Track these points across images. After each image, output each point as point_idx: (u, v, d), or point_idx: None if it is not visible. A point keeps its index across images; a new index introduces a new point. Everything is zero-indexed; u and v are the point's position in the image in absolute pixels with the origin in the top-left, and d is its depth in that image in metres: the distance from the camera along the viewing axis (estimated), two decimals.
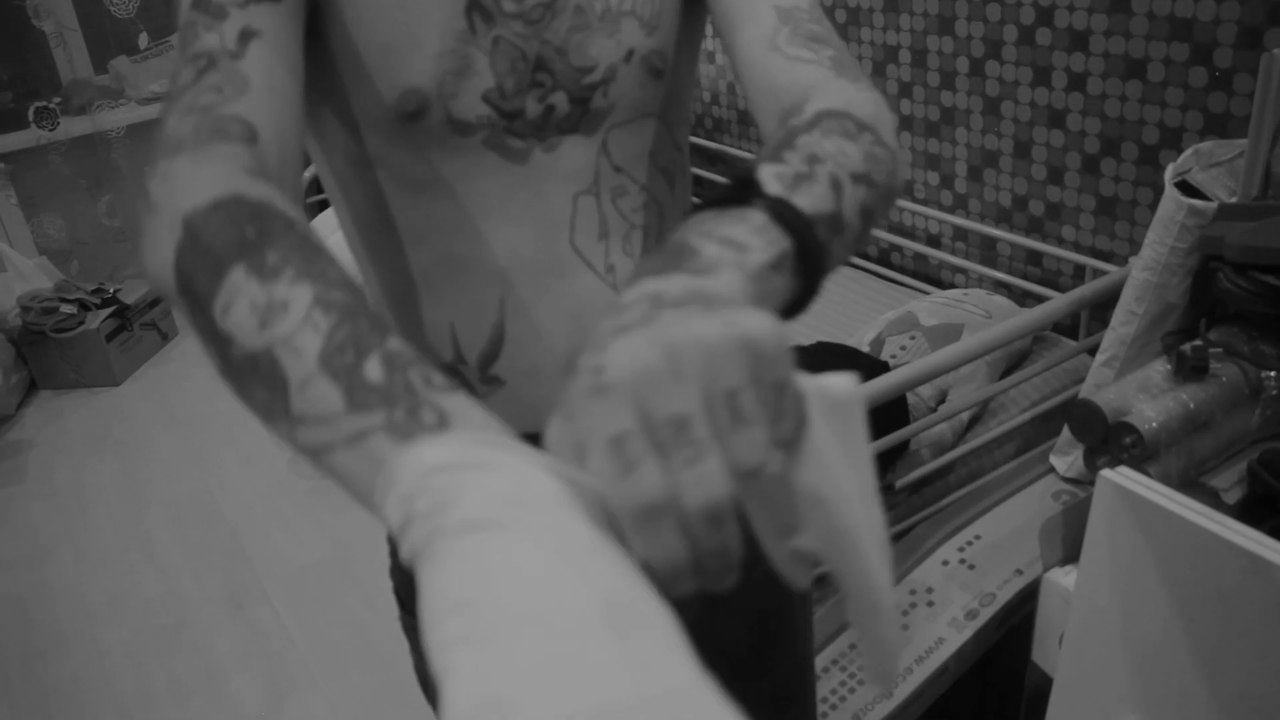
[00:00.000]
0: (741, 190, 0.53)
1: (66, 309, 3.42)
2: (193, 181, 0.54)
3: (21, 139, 3.65)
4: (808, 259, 0.52)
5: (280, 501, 2.71)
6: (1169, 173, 1.36)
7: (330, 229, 3.00)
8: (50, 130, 3.70)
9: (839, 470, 0.44)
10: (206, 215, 0.51)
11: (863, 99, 0.63)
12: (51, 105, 3.71)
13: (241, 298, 0.47)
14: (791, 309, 0.53)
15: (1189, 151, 1.39)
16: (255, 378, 0.46)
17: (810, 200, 0.54)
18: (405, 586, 0.92)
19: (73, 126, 3.76)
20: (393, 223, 0.77)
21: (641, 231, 0.82)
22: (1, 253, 3.51)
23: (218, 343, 0.48)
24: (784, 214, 0.52)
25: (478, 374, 0.79)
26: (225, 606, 2.37)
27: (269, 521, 2.64)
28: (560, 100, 0.74)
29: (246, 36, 0.61)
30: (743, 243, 0.49)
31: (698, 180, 2.94)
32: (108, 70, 3.92)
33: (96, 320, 3.42)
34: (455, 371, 0.80)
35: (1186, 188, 1.35)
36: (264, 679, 2.13)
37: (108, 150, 3.95)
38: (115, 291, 3.55)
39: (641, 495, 0.37)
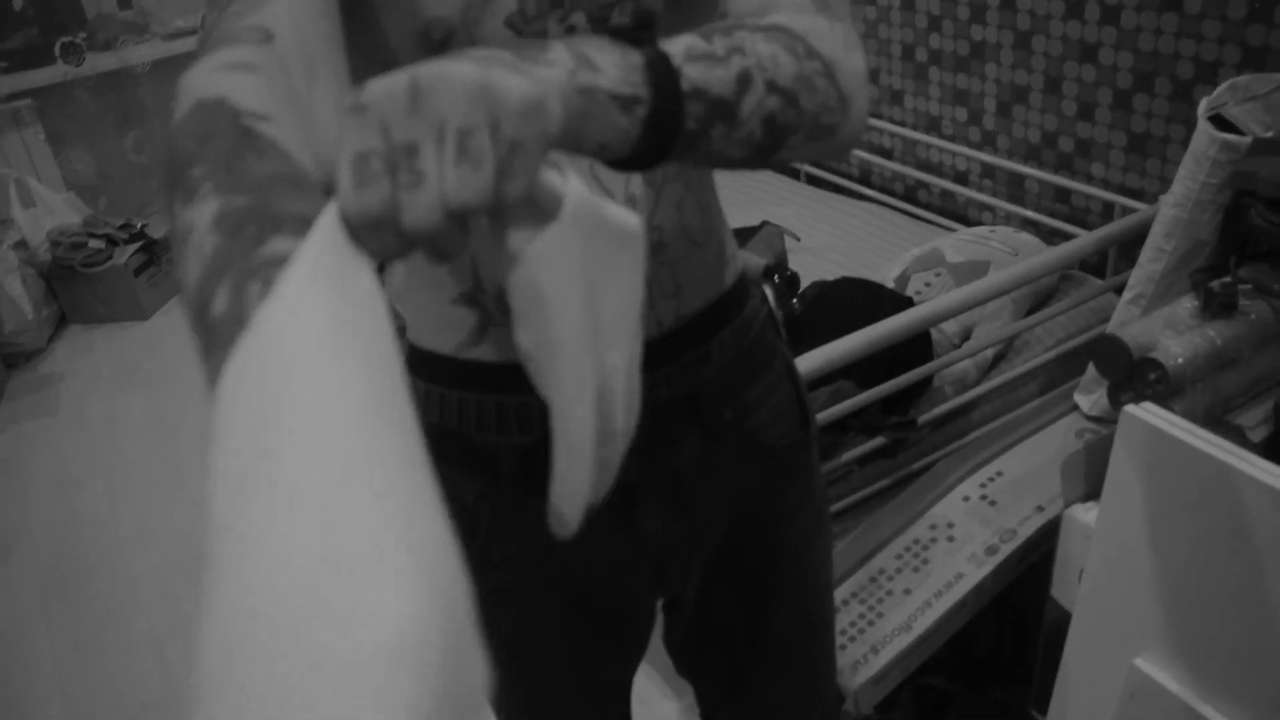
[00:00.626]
0: (647, 40, 0.53)
1: (95, 244, 3.44)
2: (185, 91, 0.54)
3: (48, 75, 3.65)
4: (664, 124, 0.52)
5: None
6: (1203, 106, 1.34)
7: None
8: (76, 66, 3.70)
9: (574, 285, 0.46)
10: (176, 129, 0.52)
11: (831, 36, 0.62)
12: (77, 40, 3.70)
13: (173, 229, 0.49)
14: (629, 162, 0.53)
15: (1224, 85, 1.37)
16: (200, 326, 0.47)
17: (701, 75, 0.53)
18: None
19: (99, 62, 3.76)
20: None
21: None
22: (30, 188, 3.52)
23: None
24: (657, 68, 0.51)
25: (495, 303, 0.80)
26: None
27: None
28: (580, 20, 0.73)
29: None
30: (595, 63, 0.49)
31: None
32: (132, 5, 3.90)
33: (124, 255, 3.45)
34: (475, 300, 0.80)
35: (1220, 122, 1.32)
36: None
37: (134, 86, 3.95)
38: (143, 226, 3.57)
39: (362, 209, 0.40)
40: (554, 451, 0.49)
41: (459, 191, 0.40)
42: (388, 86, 0.41)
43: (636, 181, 0.80)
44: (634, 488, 0.82)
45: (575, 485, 0.49)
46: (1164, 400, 1.14)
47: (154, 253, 3.56)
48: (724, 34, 0.56)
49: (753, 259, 1.56)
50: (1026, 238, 1.97)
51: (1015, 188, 2.19)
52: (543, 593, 0.87)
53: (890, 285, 1.85)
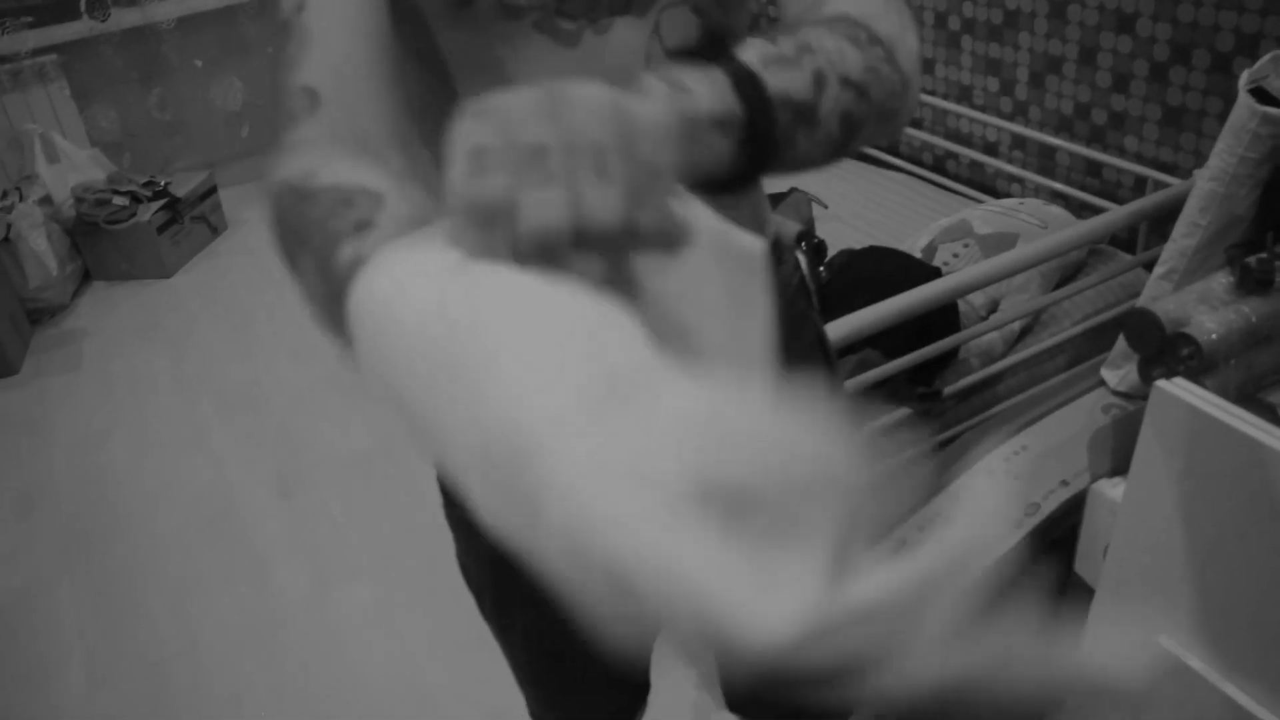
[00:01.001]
0: (720, 55, 0.51)
1: (119, 201, 3.45)
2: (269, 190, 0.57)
3: (74, 30, 3.64)
4: (758, 135, 0.50)
5: (327, 393, 2.75)
6: (1244, 79, 1.31)
7: None
8: (102, 21, 3.69)
9: (711, 313, 0.43)
10: (273, 236, 0.55)
11: (890, 17, 0.61)
12: None
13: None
14: (729, 184, 0.52)
15: (1267, 57, 1.34)
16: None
17: (781, 82, 0.52)
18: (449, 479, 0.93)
19: (124, 18, 3.75)
20: (451, 115, 0.76)
21: None
22: (55, 144, 3.53)
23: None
24: (744, 82, 0.50)
25: None
26: (273, 495, 2.42)
27: (317, 413, 2.69)
28: None
29: None
30: (689, 87, 0.48)
31: None
32: None
33: (148, 213, 3.45)
34: None
35: (1262, 95, 1.30)
36: (310, 567, 2.19)
37: (158, 42, 3.94)
38: (166, 184, 3.57)
39: (480, 194, 0.38)
40: None
41: (596, 207, 0.38)
42: (516, 96, 0.39)
43: None
44: None
45: None
46: (1196, 376, 1.12)
47: (177, 210, 3.56)
48: (789, 33, 0.55)
49: (786, 224, 1.55)
50: (1056, 211, 1.95)
51: (1046, 160, 2.16)
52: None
53: (917, 255, 1.84)
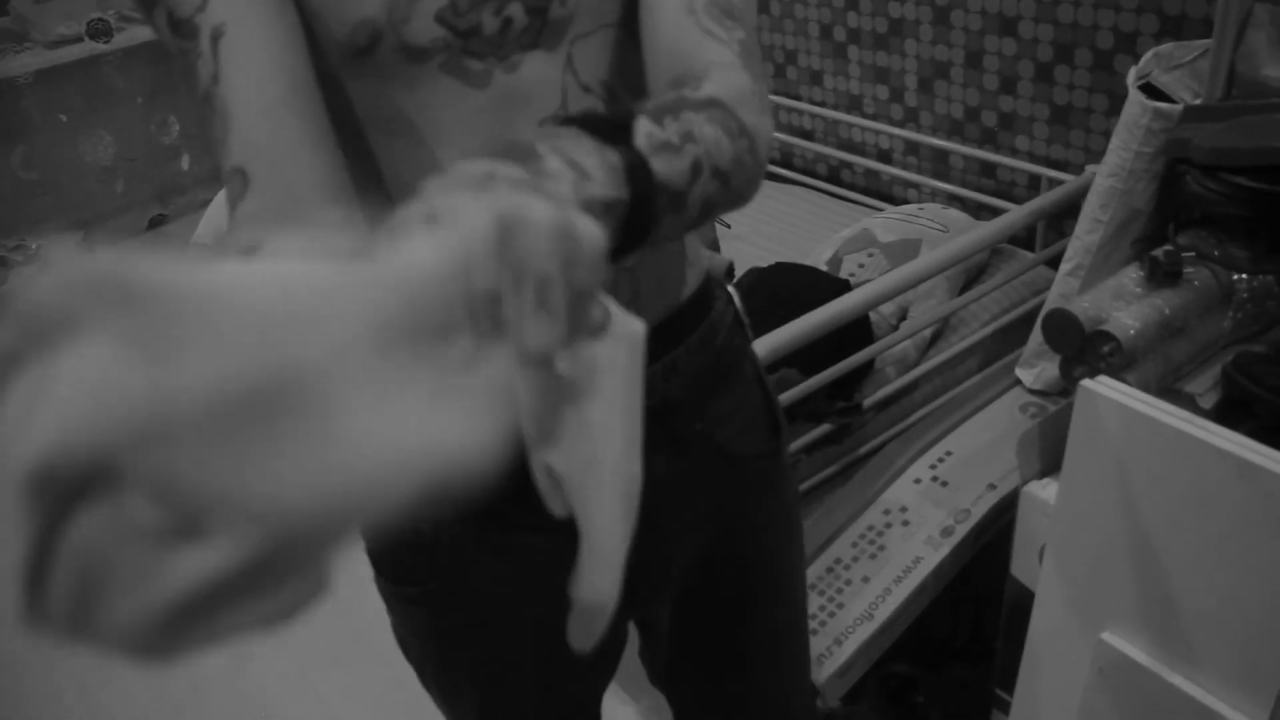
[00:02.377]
0: (609, 127, 0.52)
1: None
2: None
3: None
4: (634, 223, 0.52)
5: None
6: (1131, 76, 1.34)
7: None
8: None
9: (611, 402, 0.45)
10: None
11: (753, 102, 0.63)
12: None
13: None
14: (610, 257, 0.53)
15: (1149, 54, 1.37)
16: None
17: (665, 169, 0.54)
18: (377, 550, 0.88)
19: None
20: (367, 164, 0.72)
21: None
22: None
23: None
24: (635, 169, 0.51)
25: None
26: None
27: None
28: (517, 12, 0.68)
29: (215, 39, 0.60)
30: (587, 171, 0.49)
31: None
32: (7, 12, 3.72)
33: (20, 279, 3.29)
34: None
35: (1150, 91, 1.32)
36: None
37: (17, 97, 3.76)
38: (38, 247, 3.41)
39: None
40: (583, 567, 0.48)
41: (537, 342, 0.39)
42: (469, 222, 0.38)
43: None
44: None
45: (605, 598, 0.49)
46: (1118, 372, 1.13)
47: None
48: (674, 115, 0.57)
49: (717, 257, 1.53)
50: (955, 214, 1.97)
51: (940, 164, 2.19)
52: (512, 622, 0.83)
53: (823, 268, 1.83)
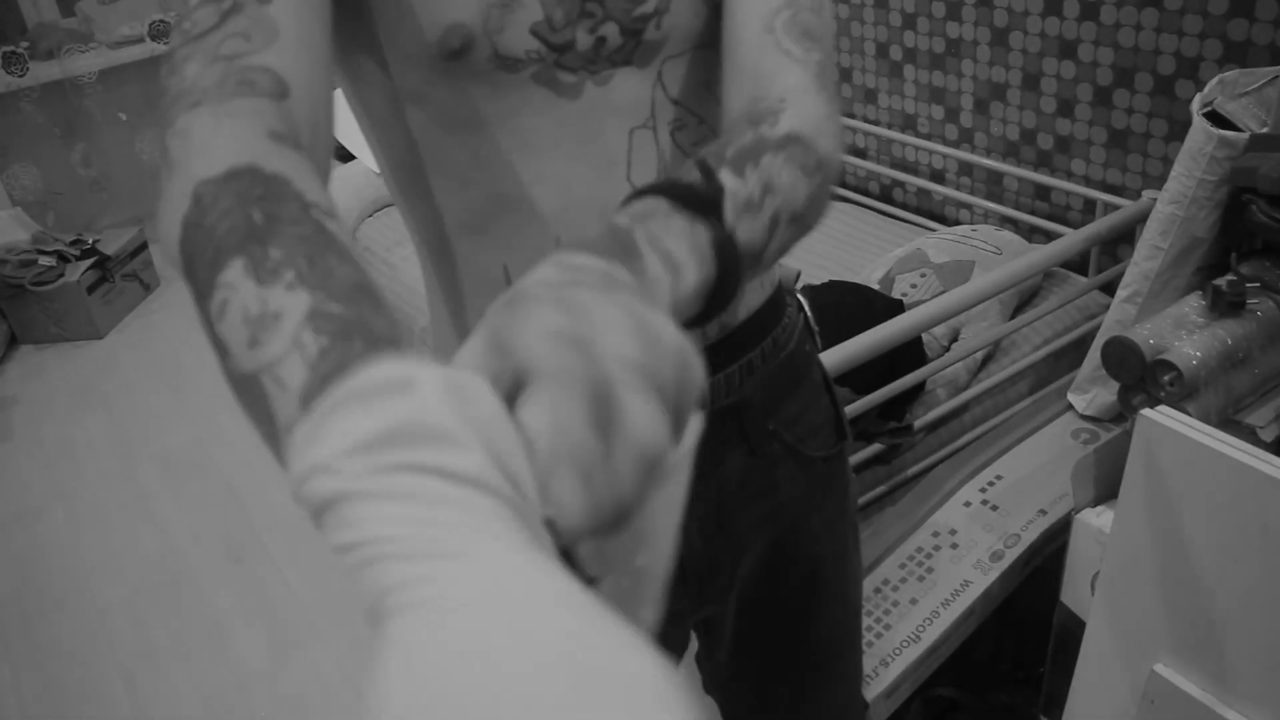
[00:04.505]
0: (698, 201, 0.53)
1: (45, 261, 3.34)
2: (211, 142, 0.49)
3: None
4: (718, 294, 0.53)
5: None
6: (1196, 103, 1.33)
7: (348, 179, 2.88)
8: (19, 76, 3.59)
9: (673, 516, 0.43)
10: (218, 188, 0.46)
11: (828, 128, 0.63)
12: (19, 50, 3.60)
13: (236, 301, 0.42)
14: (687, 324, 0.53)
15: (1214, 81, 1.36)
16: (249, 400, 0.42)
17: (747, 235, 0.55)
18: None
19: (41, 72, 3.66)
20: (436, 165, 0.73)
21: None
22: None
23: (214, 345, 0.44)
24: (725, 249, 0.52)
25: None
26: (224, 561, 2.34)
27: (264, 474, 2.61)
28: (611, 32, 0.69)
29: None
30: (680, 264, 0.49)
31: None
32: (75, 13, 3.80)
33: (76, 272, 3.35)
34: None
35: (1214, 118, 1.31)
36: (267, 634, 2.11)
37: (79, 96, 3.84)
38: (95, 242, 3.47)
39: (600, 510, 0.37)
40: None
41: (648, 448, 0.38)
42: (532, 328, 0.37)
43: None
44: None
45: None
46: (1178, 402, 1.12)
47: (107, 269, 3.46)
48: (754, 162, 0.57)
49: (787, 265, 1.53)
50: (1009, 236, 1.96)
51: (993, 185, 2.18)
52: None
53: (875, 287, 1.83)
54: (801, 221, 0.60)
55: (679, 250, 0.49)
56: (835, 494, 0.91)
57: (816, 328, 1.39)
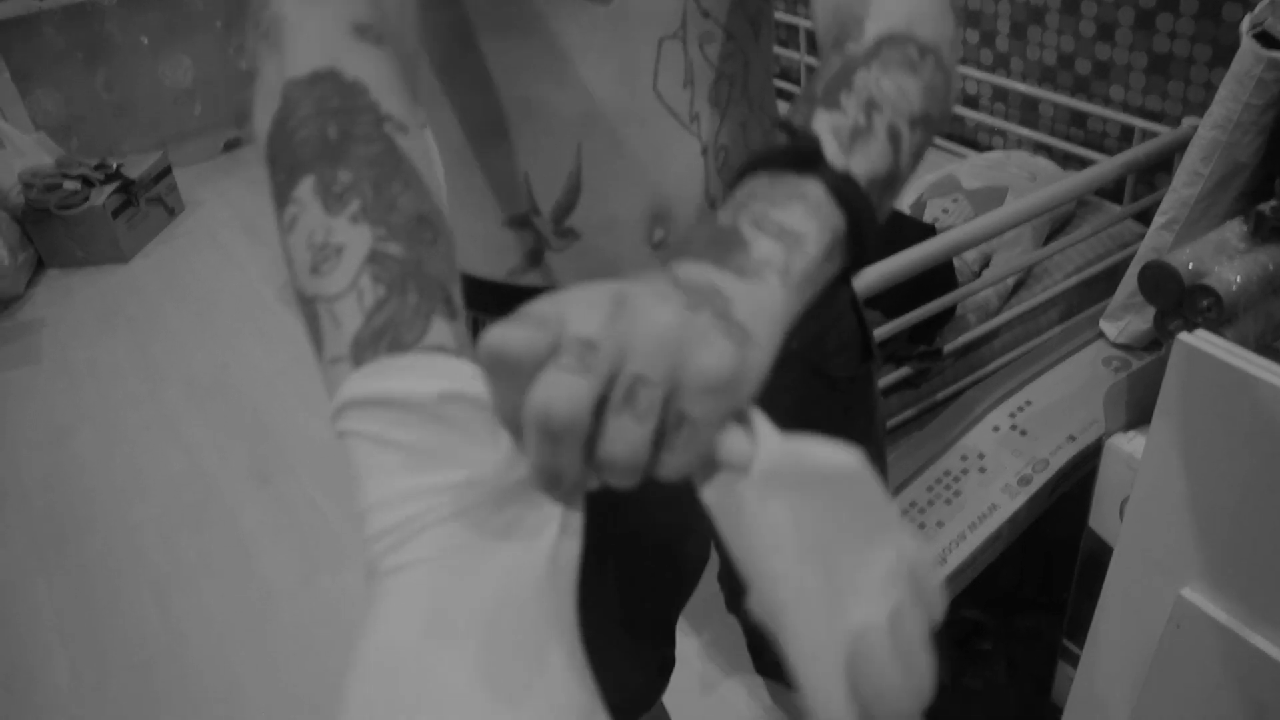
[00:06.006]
0: (797, 158, 0.48)
1: (70, 185, 3.34)
2: (297, 38, 0.50)
3: (11, 7, 3.52)
4: (860, 234, 0.48)
5: (299, 376, 2.69)
6: (1245, 24, 1.29)
7: None
8: None
9: (789, 541, 0.39)
10: (302, 92, 0.48)
11: (925, 10, 0.58)
12: None
13: (304, 220, 0.45)
14: (840, 276, 0.50)
15: (1265, 1, 1.32)
16: (304, 315, 0.45)
17: (868, 163, 0.50)
18: None
19: None
20: (460, 67, 0.73)
21: (728, 81, 0.77)
22: None
23: (283, 250, 0.47)
24: (843, 189, 0.47)
25: (552, 226, 0.76)
26: (251, 481, 2.37)
27: (289, 396, 2.63)
28: None
29: None
30: (798, 232, 0.45)
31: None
32: None
33: (101, 196, 3.35)
34: (528, 223, 0.76)
35: (1264, 39, 1.28)
36: (295, 553, 2.14)
37: (101, 20, 3.81)
38: (119, 166, 3.47)
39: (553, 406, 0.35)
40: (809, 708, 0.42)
41: (611, 444, 0.35)
42: (581, 299, 0.36)
43: (701, 100, 0.76)
44: None
45: None
46: (1216, 327, 1.11)
47: (132, 193, 3.47)
48: (847, 87, 0.52)
49: None
50: (1044, 163, 1.93)
51: (1029, 111, 2.14)
52: (606, 535, 0.84)
53: (906, 211, 1.81)
54: (927, 120, 0.55)
55: (792, 218, 0.45)
56: (861, 416, 0.90)
57: None
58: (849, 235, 0.47)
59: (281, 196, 0.47)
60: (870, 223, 0.48)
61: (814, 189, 0.47)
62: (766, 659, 1.06)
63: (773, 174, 0.47)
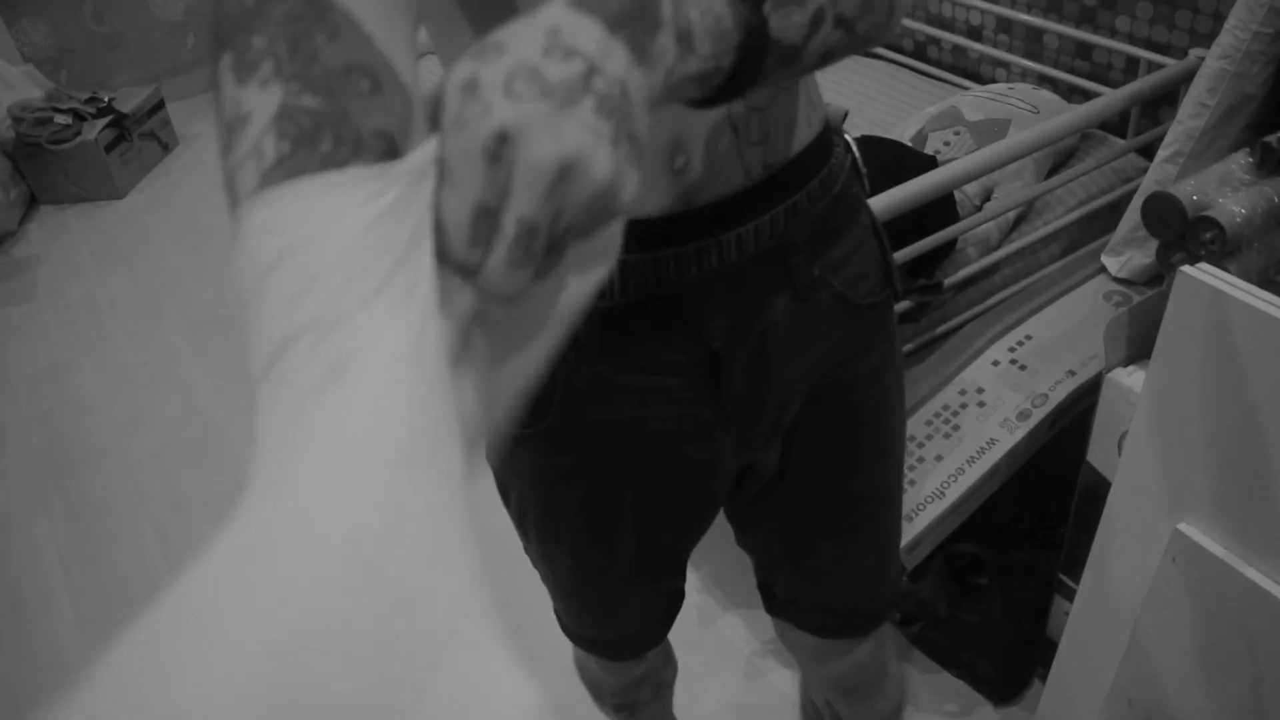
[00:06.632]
0: None
1: (61, 119, 3.30)
2: None
3: None
4: (732, 80, 0.49)
5: None
6: None
7: None
8: None
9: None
10: None
11: None
12: None
13: (220, 100, 0.43)
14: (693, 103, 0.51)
15: None
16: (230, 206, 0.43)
17: (782, 27, 0.51)
18: None
19: None
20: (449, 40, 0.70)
21: None
22: None
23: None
24: (752, 34, 0.49)
25: None
26: (249, 416, 2.36)
27: None
28: None
29: None
30: (695, 41, 0.46)
31: None
32: None
33: (94, 131, 3.31)
34: None
35: None
36: None
37: None
38: (110, 100, 3.42)
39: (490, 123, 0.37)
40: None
41: (495, 272, 0.38)
42: (470, 136, 0.37)
43: None
44: (718, 353, 0.78)
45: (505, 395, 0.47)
46: (1219, 260, 1.10)
47: (124, 128, 3.42)
48: None
49: (834, 106, 1.48)
50: (1047, 95, 1.90)
51: (1032, 43, 2.10)
52: (621, 465, 0.84)
53: (907, 143, 1.79)
54: (850, 28, 0.56)
55: (700, 25, 0.46)
56: (882, 343, 0.89)
57: (865, 170, 1.35)
58: (727, 77, 0.49)
59: (213, 85, 0.44)
60: (749, 75, 0.50)
61: (729, 17, 0.47)
62: (777, 598, 1.06)
63: None
